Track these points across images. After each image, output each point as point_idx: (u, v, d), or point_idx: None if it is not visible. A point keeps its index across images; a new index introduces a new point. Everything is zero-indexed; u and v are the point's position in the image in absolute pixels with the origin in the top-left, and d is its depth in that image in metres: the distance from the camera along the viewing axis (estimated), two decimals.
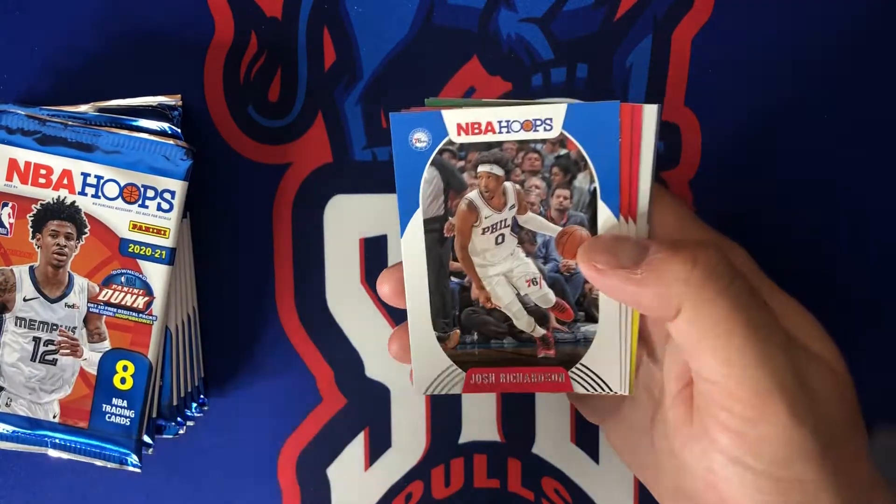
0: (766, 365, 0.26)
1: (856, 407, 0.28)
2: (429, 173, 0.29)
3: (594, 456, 0.41)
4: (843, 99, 0.39)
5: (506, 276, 0.30)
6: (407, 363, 0.32)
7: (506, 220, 0.30)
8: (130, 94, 0.38)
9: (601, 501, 0.41)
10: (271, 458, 0.41)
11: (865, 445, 0.28)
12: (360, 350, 0.41)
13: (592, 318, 0.30)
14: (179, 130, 0.37)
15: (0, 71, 0.39)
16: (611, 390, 0.31)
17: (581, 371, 0.31)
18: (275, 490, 0.41)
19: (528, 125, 0.28)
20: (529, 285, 0.30)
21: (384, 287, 0.32)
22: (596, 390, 0.31)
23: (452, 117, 0.29)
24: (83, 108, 0.37)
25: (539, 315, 0.31)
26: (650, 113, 0.28)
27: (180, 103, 0.37)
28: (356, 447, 0.41)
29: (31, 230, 0.36)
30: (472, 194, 0.29)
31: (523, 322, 0.31)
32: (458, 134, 0.29)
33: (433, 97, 0.29)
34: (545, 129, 0.28)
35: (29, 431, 0.37)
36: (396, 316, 0.40)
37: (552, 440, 0.41)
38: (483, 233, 0.30)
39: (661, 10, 0.39)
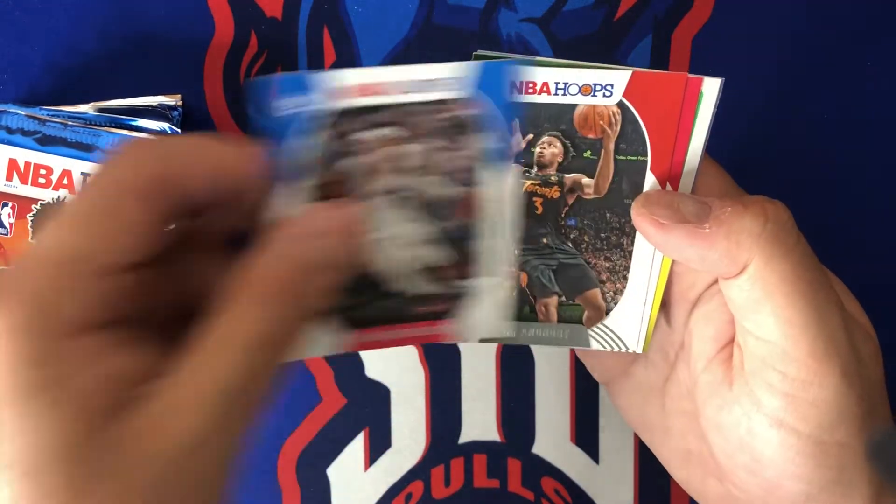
0: (825, 327, 0.26)
1: (883, 375, 0.28)
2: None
3: (594, 456, 0.41)
4: (844, 99, 0.39)
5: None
6: None
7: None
8: (130, 94, 0.38)
9: (601, 501, 0.41)
10: (271, 458, 0.41)
11: (889, 413, 0.28)
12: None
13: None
14: (179, 130, 0.37)
15: (0, 71, 0.39)
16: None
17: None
18: (275, 490, 0.41)
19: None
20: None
21: None
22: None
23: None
24: (83, 108, 0.37)
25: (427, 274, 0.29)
26: (711, 86, 0.27)
27: (180, 103, 0.37)
28: (356, 447, 0.41)
29: (31, 230, 0.36)
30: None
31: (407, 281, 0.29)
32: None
33: (483, 51, 0.27)
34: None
35: None
36: None
37: (552, 440, 0.41)
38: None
39: (661, 10, 0.39)
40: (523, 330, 0.30)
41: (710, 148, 0.39)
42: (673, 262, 0.29)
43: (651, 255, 0.29)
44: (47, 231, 0.23)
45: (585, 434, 0.41)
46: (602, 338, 0.31)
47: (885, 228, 0.39)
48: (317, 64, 0.39)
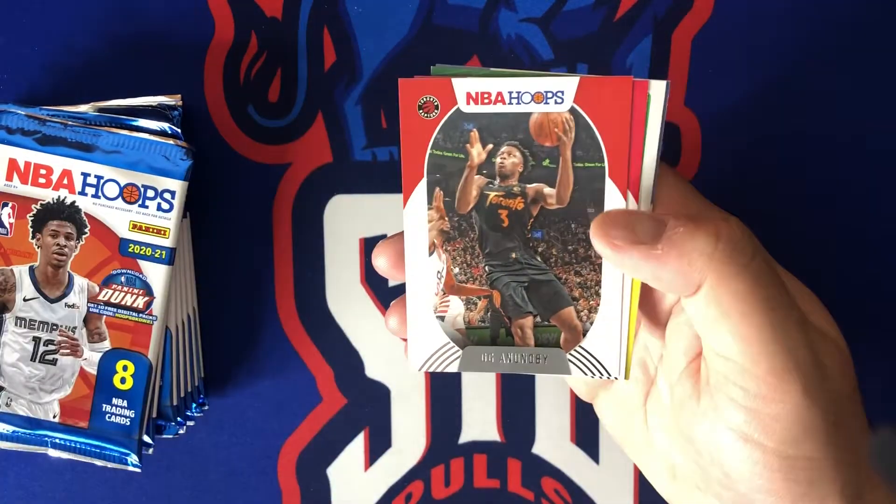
0: (783, 343, 0.26)
1: (856, 384, 0.28)
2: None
3: (594, 456, 0.41)
4: (844, 99, 0.39)
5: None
6: (404, 337, 0.31)
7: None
8: (130, 94, 0.38)
9: (601, 501, 0.41)
10: (271, 458, 0.41)
11: (864, 423, 0.28)
12: (360, 350, 0.41)
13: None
14: (179, 130, 0.37)
15: (0, 71, 0.39)
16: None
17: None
18: (275, 490, 0.41)
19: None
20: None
21: (380, 259, 0.31)
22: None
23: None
24: (83, 108, 0.37)
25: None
26: (658, 89, 0.27)
27: (180, 103, 0.37)
28: (356, 447, 0.41)
29: (31, 230, 0.36)
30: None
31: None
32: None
33: (441, 64, 0.29)
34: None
35: (29, 431, 0.37)
36: None
37: (552, 440, 0.41)
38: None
39: (661, 10, 0.39)
40: (502, 357, 0.31)
41: (711, 148, 0.40)
42: None
43: (619, 273, 0.29)
44: None
45: (585, 434, 0.41)
46: (582, 363, 0.30)
47: (885, 230, 0.39)
48: (317, 64, 0.39)
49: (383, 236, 0.40)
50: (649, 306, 0.30)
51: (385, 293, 0.40)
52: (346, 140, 0.39)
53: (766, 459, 0.26)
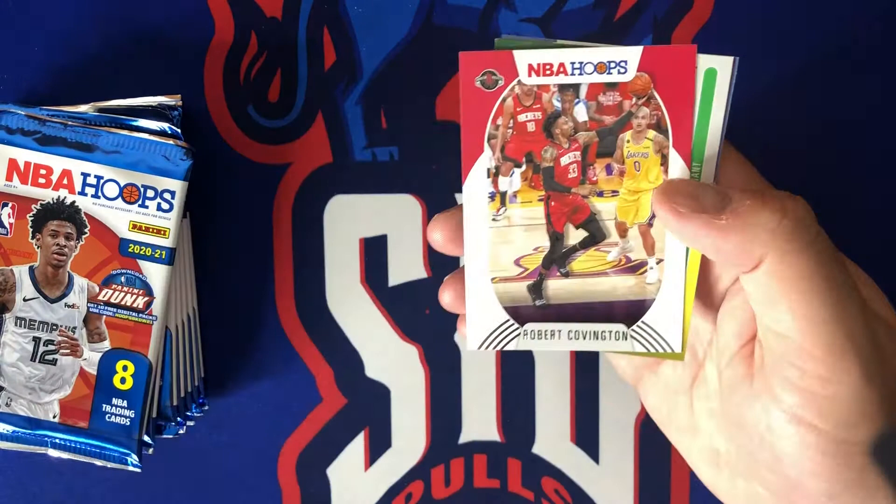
0: (843, 323, 0.25)
1: None
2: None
3: (594, 456, 0.41)
4: (844, 99, 0.39)
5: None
6: (460, 312, 0.31)
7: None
8: (130, 94, 0.38)
9: (601, 501, 0.41)
10: (271, 458, 0.41)
11: None
12: (360, 350, 0.41)
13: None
14: (179, 130, 0.37)
15: (0, 71, 0.39)
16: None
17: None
18: (275, 490, 0.41)
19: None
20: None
21: (436, 233, 0.30)
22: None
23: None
24: (83, 108, 0.37)
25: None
26: (725, 64, 0.28)
27: (180, 103, 0.37)
28: (356, 447, 0.41)
29: (30, 230, 0.36)
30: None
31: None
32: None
33: (506, 36, 0.28)
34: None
35: (29, 431, 0.37)
36: (397, 315, 0.40)
37: (552, 440, 0.41)
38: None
39: (661, 10, 0.39)
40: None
41: None
42: (703, 256, 0.29)
43: (683, 248, 0.29)
44: None
45: (585, 434, 0.41)
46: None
47: (886, 229, 0.39)
48: (317, 64, 0.39)
49: (383, 236, 0.40)
50: (703, 289, 0.30)
51: (385, 293, 0.40)
52: (346, 140, 0.39)
53: (819, 443, 0.26)
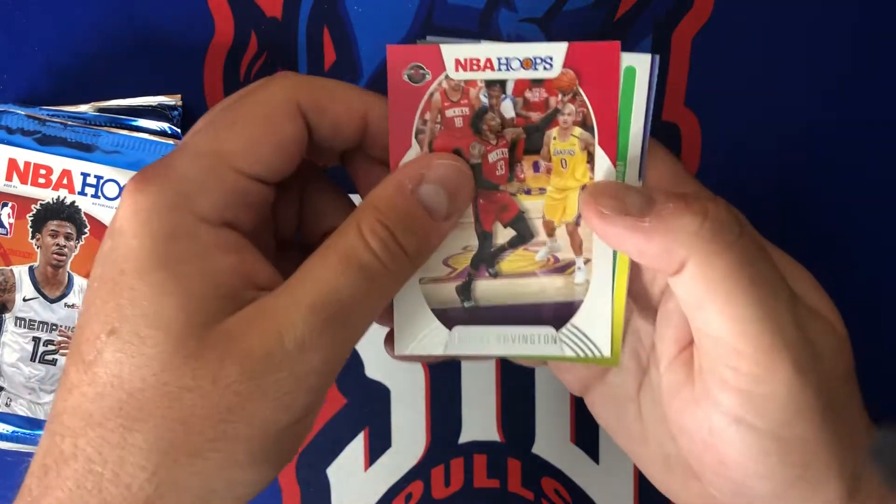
0: (772, 321, 0.25)
1: (852, 364, 0.28)
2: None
3: (594, 456, 0.41)
4: (844, 99, 0.39)
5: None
6: (388, 326, 0.31)
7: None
8: (130, 94, 0.38)
9: (601, 501, 0.41)
10: None
11: (861, 405, 0.28)
12: (360, 350, 0.41)
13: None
14: (179, 130, 0.37)
15: (0, 71, 0.39)
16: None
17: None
18: (275, 490, 0.41)
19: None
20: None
21: None
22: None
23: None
24: (83, 108, 0.37)
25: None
26: (643, 62, 0.27)
27: (180, 103, 0.37)
28: (356, 447, 0.41)
29: (30, 230, 0.36)
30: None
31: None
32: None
33: (431, 36, 0.28)
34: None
35: (29, 431, 0.37)
36: None
37: (552, 440, 0.41)
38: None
39: (661, 10, 0.39)
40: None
41: (711, 148, 0.40)
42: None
43: (610, 249, 0.29)
44: (202, 127, 0.27)
45: (585, 434, 0.41)
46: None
47: (886, 229, 0.39)
48: (317, 64, 0.39)
49: None
50: (639, 291, 0.30)
51: None
52: None
53: (760, 442, 0.26)
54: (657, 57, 0.27)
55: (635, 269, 0.29)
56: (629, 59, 0.28)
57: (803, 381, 0.26)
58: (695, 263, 0.26)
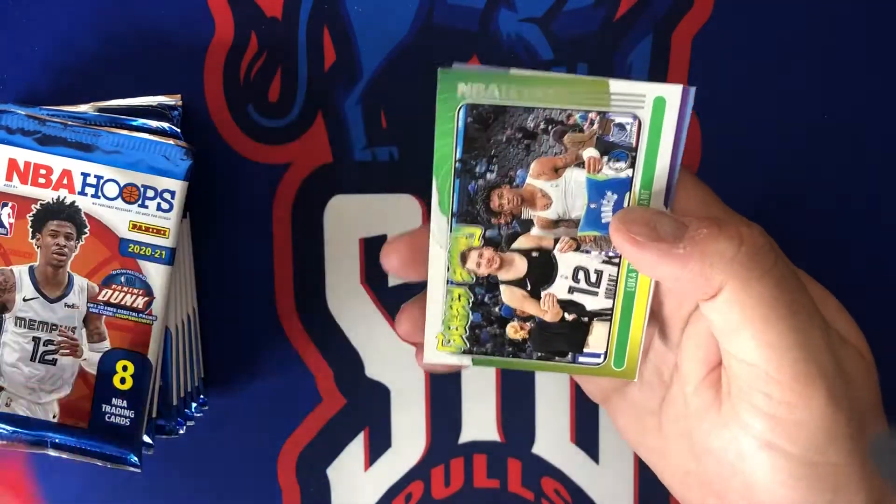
0: (807, 349, 0.26)
1: (879, 393, 0.28)
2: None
3: (594, 456, 0.41)
4: (844, 99, 0.39)
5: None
6: (418, 341, 0.31)
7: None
8: (130, 94, 0.38)
9: (601, 501, 0.41)
10: (271, 458, 0.41)
11: (886, 428, 0.28)
12: (360, 350, 0.41)
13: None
14: (179, 130, 0.37)
15: (0, 71, 0.39)
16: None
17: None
18: (275, 490, 0.41)
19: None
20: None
21: (392, 258, 0.30)
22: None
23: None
24: (83, 108, 0.37)
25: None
26: (674, 94, 0.27)
27: (180, 103, 0.37)
28: (356, 447, 0.41)
29: (30, 230, 0.36)
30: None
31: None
32: None
33: (450, 68, 0.27)
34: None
35: (29, 431, 0.37)
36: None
37: (552, 440, 0.41)
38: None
39: (661, 10, 0.39)
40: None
41: (711, 148, 0.40)
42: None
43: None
44: None
45: (585, 434, 0.41)
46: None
47: (886, 229, 0.39)
48: (317, 64, 0.39)
49: (383, 236, 0.40)
50: (665, 314, 0.30)
51: (385, 293, 0.40)
52: (346, 140, 0.39)
53: (790, 467, 0.26)
54: (692, 89, 0.27)
55: (658, 291, 0.29)
56: (658, 90, 0.27)
57: (836, 408, 0.26)
58: (731, 289, 0.26)
